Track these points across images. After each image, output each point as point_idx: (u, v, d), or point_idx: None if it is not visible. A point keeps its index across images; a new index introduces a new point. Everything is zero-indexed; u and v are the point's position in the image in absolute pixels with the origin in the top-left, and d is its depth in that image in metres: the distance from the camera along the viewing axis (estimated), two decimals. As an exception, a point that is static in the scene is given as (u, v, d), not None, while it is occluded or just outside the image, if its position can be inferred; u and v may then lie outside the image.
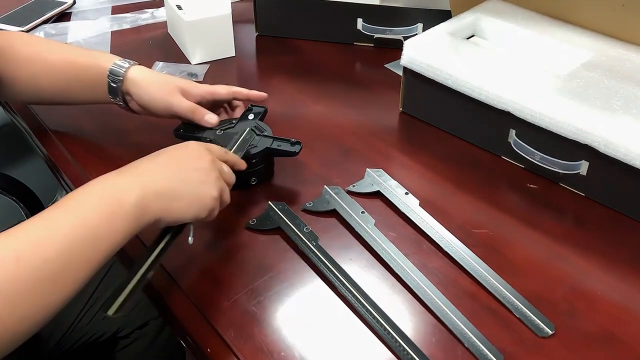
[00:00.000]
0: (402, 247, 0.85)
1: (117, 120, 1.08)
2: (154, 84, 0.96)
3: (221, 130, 0.96)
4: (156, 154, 0.77)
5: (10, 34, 1.03)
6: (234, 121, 0.98)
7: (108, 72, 0.96)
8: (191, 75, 1.21)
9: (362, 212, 0.90)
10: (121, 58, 0.97)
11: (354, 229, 0.88)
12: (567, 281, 0.82)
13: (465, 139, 1.06)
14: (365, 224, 0.88)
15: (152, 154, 0.77)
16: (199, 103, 0.98)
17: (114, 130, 1.07)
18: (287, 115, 1.11)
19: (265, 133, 0.95)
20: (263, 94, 1.01)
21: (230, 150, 0.89)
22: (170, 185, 0.73)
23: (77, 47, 1.03)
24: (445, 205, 0.93)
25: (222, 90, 0.99)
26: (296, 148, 0.92)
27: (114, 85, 0.96)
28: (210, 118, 0.95)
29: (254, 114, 0.99)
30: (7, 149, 1.54)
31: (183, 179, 0.75)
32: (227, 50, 1.28)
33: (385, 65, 1.26)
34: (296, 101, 1.17)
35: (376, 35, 1.30)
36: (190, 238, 0.79)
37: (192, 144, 0.80)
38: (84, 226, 0.66)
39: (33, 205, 1.31)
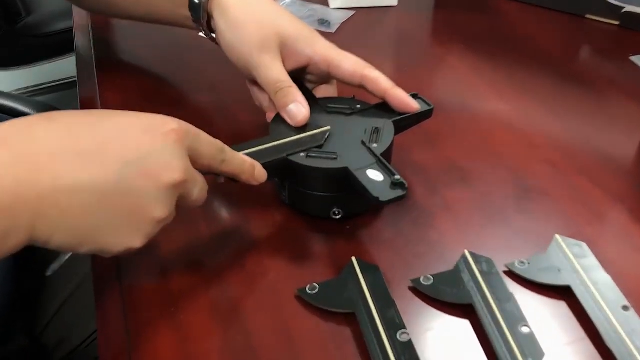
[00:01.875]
0: None
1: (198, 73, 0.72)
2: (248, 22, 0.59)
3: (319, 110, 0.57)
4: (92, 115, 0.43)
5: None
6: (359, 106, 0.57)
7: None
8: (322, 22, 0.81)
9: (524, 327, 0.45)
10: None
11: (496, 355, 0.43)
12: None
13: None
14: (525, 354, 0.43)
15: (85, 112, 0.43)
16: (304, 69, 0.59)
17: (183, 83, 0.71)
18: (448, 108, 0.68)
19: (375, 146, 0.53)
20: (412, 104, 0.57)
21: (251, 149, 0.51)
22: (71, 195, 0.39)
23: None
24: None
25: (347, 65, 0.58)
26: (387, 194, 0.47)
27: (196, 2, 0.61)
28: (295, 112, 0.55)
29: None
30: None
31: (99, 198, 0.40)
32: (387, -4, 0.86)
33: (630, 58, 0.77)
34: (471, 88, 0.72)
35: (626, 8, 0.80)
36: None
37: (169, 124, 0.44)
38: None
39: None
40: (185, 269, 0.50)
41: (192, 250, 0.52)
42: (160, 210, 0.42)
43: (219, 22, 0.60)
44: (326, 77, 0.60)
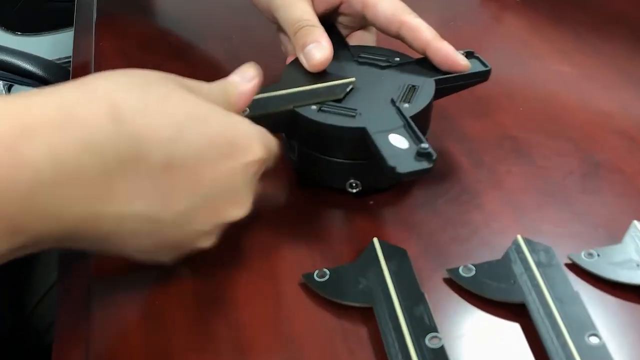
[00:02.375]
0: None
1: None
2: None
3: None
4: (172, 125, 0.34)
5: None
6: (398, 59, 0.47)
7: None
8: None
9: (593, 337, 0.34)
10: None
11: (556, 376, 0.33)
12: None
13: None
14: (592, 375, 0.33)
15: (163, 112, 0.34)
16: (336, 10, 0.50)
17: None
18: (501, 69, 0.57)
19: (406, 106, 0.43)
20: (460, 62, 0.45)
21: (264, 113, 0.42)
22: (117, 222, 0.32)
23: None
24: None
25: (385, 6, 0.47)
26: (407, 165, 0.37)
27: None
28: (314, 53, 0.44)
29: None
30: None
31: (148, 225, 0.34)
32: (434, -54, 0.75)
33: None
34: (528, 48, 0.62)
35: None
36: None
37: (254, 151, 0.36)
38: None
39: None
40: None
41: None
42: (207, 242, 0.37)
43: None
44: (361, 21, 0.51)
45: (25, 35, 1.56)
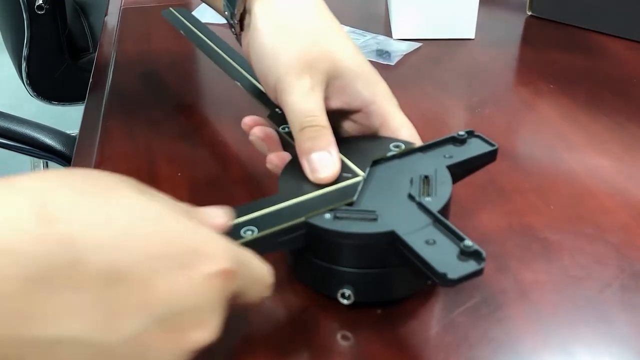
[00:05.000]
0: None
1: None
2: (298, 31, 0.44)
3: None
4: (109, 226, 0.28)
5: None
6: (402, 145, 0.43)
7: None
8: (380, 53, 0.68)
9: None
10: None
11: None
12: None
13: None
14: None
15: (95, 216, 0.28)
16: (346, 114, 0.45)
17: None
18: (530, 161, 0.53)
19: (428, 200, 0.38)
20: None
21: (252, 214, 0.37)
22: (54, 348, 0.26)
23: None
24: None
25: (405, 136, 0.44)
26: (457, 269, 0.32)
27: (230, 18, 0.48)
28: (321, 164, 0.40)
29: (457, 147, 0.44)
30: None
31: (92, 353, 0.27)
32: (463, 28, 0.73)
33: None
34: (562, 139, 0.56)
35: None
36: None
37: (217, 260, 0.30)
38: None
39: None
40: None
41: None
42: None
43: (260, 18, 0.45)
44: (365, 132, 0.46)
45: (62, 104, 1.57)
